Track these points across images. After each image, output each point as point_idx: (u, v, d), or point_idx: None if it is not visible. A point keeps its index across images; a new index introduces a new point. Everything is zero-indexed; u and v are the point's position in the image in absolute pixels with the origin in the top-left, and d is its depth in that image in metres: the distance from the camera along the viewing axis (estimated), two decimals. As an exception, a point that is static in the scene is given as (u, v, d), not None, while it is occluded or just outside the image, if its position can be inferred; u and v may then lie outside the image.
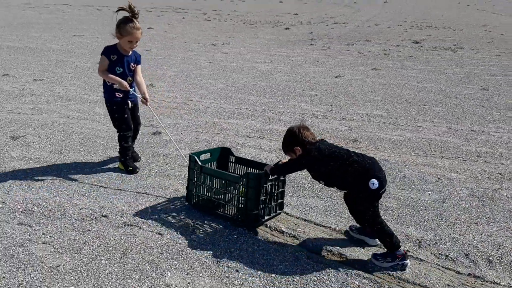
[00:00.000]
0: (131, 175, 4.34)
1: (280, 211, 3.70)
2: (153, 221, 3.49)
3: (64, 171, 4.39)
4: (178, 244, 3.22)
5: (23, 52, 10.62)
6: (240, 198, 3.52)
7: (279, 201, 3.67)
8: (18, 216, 3.52)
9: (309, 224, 3.57)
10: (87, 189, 4.01)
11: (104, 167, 4.49)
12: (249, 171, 3.81)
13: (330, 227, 3.54)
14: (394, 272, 3.00)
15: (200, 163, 3.70)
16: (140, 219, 3.53)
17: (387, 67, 9.85)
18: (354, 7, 27.09)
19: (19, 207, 3.65)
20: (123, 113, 4.46)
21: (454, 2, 32.99)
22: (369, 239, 3.38)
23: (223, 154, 4.04)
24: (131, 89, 4.42)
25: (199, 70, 9.25)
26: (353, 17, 20.90)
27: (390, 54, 11.55)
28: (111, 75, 4.32)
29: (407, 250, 3.26)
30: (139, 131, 4.79)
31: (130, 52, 4.40)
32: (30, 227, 3.38)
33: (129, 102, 4.50)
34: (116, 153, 4.77)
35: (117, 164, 4.58)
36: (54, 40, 12.36)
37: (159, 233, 3.34)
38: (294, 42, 13.22)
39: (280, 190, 3.65)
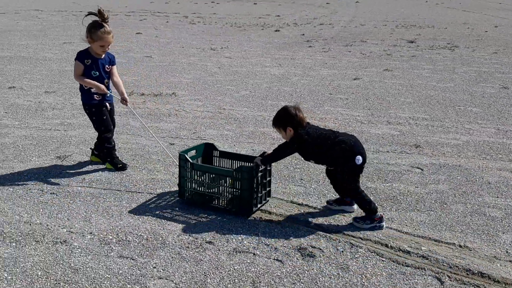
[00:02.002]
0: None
1: (268, 198, 3.94)
2: (265, 246, 3.24)
3: (134, 191, 4.07)
4: (306, 273, 2.98)
5: (18, 62, 10.02)
6: (233, 190, 3.75)
7: (267, 189, 3.92)
8: (114, 248, 3.20)
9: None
10: (171, 213, 3.72)
11: (175, 188, 4.17)
12: (237, 164, 4.05)
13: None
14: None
15: (190, 160, 3.87)
16: (248, 244, 3.27)
17: (397, 68, 9.82)
18: (329, 8, 27.14)
19: (110, 237, 3.32)
20: (102, 115, 4.51)
21: (421, 1, 33.65)
22: (348, 207, 3.78)
23: (207, 150, 4.24)
24: (108, 91, 4.48)
25: (212, 76, 8.95)
26: (334, 18, 20.91)
27: (392, 54, 11.55)
28: (88, 80, 4.38)
29: (383, 214, 3.62)
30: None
31: (104, 55, 4.44)
32: (133, 260, 3.07)
33: (107, 104, 4.56)
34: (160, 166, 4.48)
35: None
36: (44, 48, 11.75)
37: (278, 260, 3.09)
38: (291, 44, 13.05)
39: (268, 179, 3.89)
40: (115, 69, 4.55)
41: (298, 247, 3.22)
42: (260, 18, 20.46)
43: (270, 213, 3.71)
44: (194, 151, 4.13)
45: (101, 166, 4.62)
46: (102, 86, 4.39)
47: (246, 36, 14.72)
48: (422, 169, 4.60)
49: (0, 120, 6.06)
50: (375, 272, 2.97)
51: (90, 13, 4.34)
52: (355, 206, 3.76)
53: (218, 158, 4.23)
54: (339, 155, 3.49)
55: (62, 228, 3.43)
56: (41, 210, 3.72)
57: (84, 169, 4.58)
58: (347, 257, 3.12)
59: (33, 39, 13.36)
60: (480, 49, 12.55)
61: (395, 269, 3.01)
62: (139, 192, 4.07)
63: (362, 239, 3.33)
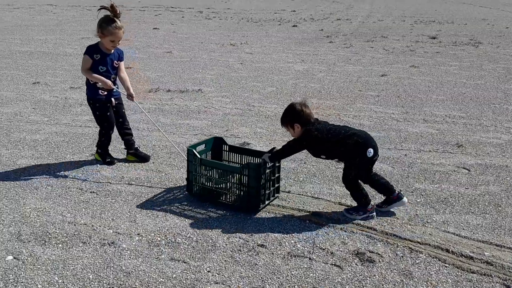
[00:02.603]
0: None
1: (277, 195, 3.88)
2: (320, 250, 3.11)
3: (176, 191, 3.96)
4: (368, 279, 2.85)
5: (39, 57, 9.94)
6: (241, 187, 3.68)
7: (276, 185, 3.86)
8: (164, 250, 3.09)
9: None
10: (215, 212, 3.60)
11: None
12: (247, 159, 4.03)
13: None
14: None
15: (198, 155, 3.82)
16: (302, 248, 3.14)
17: (423, 64, 9.63)
18: (344, 3, 26.92)
19: (158, 239, 3.21)
20: (106, 111, 4.47)
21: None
22: (398, 203, 3.62)
23: (216, 144, 4.19)
24: (114, 87, 4.43)
25: (235, 72, 8.82)
26: (351, 13, 20.70)
27: (415, 50, 11.35)
28: (95, 75, 4.33)
29: (374, 204, 3.63)
30: (129, 129, 4.68)
31: (113, 50, 4.39)
32: (185, 263, 2.96)
33: (113, 100, 4.50)
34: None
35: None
36: (63, 43, 11.67)
37: (336, 265, 2.97)
38: (311, 40, 12.88)
39: (276, 175, 3.84)
40: (122, 65, 4.52)
41: (355, 251, 3.09)
42: (276, 13, 20.29)
43: (320, 215, 3.58)
44: (204, 145, 4.10)
45: (138, 165, 4.52)
46: (109, 82, 4.35)
47: (264, 32, 14.56)
48: (469, 170, 4.45)
49: (29, 116, 5.98)
50: (440, 279, 2.84)
51: (102, 7, 4.29)
52: (405, 199, 3.63)
53: (227, 153, 4.20)
54: (351, 148, 3.45)
55: (108, 229, 3.33)
56: (83, 209, 3.62)
57: (121, 167, 4.47)
58: (408, 263, 2.99)
59: (51, 34, 13.29)
60: (505, 46, 12.31)
61: (460, 276, 2.88)
62: (180, 191, 3.97)
63: (420, 244, 3.19)
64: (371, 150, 3.48)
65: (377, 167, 4.47)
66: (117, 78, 4.51)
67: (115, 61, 4.43)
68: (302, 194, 3.93)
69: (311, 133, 3.47)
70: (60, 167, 4.45)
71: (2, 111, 6.20)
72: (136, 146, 4.72)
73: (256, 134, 5.43)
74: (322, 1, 27.84)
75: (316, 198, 3.84)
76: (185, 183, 4.05)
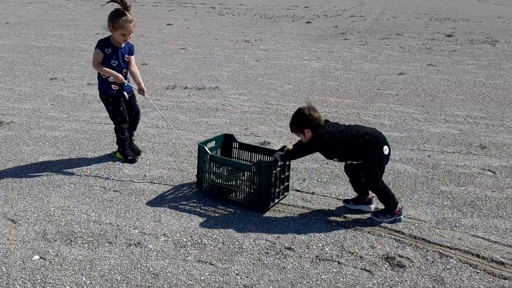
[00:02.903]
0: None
1: (286, 193, 3.89)
2: (349, 254, 3.07)
3: (197, 191, 3.92)
4: (399, 285, 2.81)
5: (55, 52, 9.96)
6: (251, 184, 3.67)
7: (286, 184, 3.85)
8: (190, 251, 3.06)
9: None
10: (237, 213, 3.56)
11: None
12: (257, 157, 4.05)
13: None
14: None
15: (209, 152, 3.82)
16: (330, 251, 3.10)
17: (441, 63, 9.52)
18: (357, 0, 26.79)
19: (185, 239, 3.19)
20: (118, 105, 4.47)
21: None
22: (365, 206, 3.66)
23: (226, 141, 4.19)
24: (125, 81, 4.43)
25: (251, 69, 8.77)
26: (365, 10, 20.55)
27: (432, 48, 11.24)
28: (106, 69, 4.33)
29: (402, 206, 3.58)
30: (139, 121, 4.71)
31: (124, 44, 4.39)
32: (213, 265, 2.93)
33: (125, 94, 4.51)
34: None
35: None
36: (79, 39, 11.69)
37: (366, 270, 2.93)
38: (326, 37, 12.80)
39: (286, 174, 3.83)
40: (133, 59, 4.53)
41: (385, 256, 3.04)
42: (289, 9, 20.20)
43: (346, 218, 3.54)
44: (214, 142, 4.10)
45: (159, 163, 4.49)
46: (121, 76, 4.35)
47: (278, 28, 14.49)
48: (494, 172, 4.38)
49: (48, 112, 5.99)
50: (472, 285, 2.79)
51: (112, 0, 4.28)
52: (373, 206, 3.66)
53: (237, 150, 4.20)
54: (366, 147, 3.41)
55: (133, 229, 3.31)
56: (107, 208, 3.61)
57: (143, 165, 4.45)
58: (439, 268, 2.94)
59: (66, 29, 13.32)
60: (522, 44, 12.15)
61: (493, 282, 2.82)
62: (203, 191, 3.94)
63: (450, 248, 3.14)
64: (386, 148, 3.45)
65: (401, 169, 4.42)
66: (128, 72, 4.53)
67: (126, 55, 4.44)
68: (327, 196, 3.88)
69: (323, 137, 3.44)
70: (82, 164, 4.44)
71: (21, 107, 6.21)
72: (132, 138, 4.73)
73: (276, 133, 5.39)
74: (334, -3, 27.70)
75: (341, 199, 3.80)
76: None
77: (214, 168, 3.84)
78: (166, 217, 3.50)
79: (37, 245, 3.12)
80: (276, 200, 3.75)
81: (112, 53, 4.32)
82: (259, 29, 14.26)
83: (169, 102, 6.58)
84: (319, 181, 4.16)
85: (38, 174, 4.21)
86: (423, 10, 20.90)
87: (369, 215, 3.57)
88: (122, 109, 4.48)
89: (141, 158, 4.61)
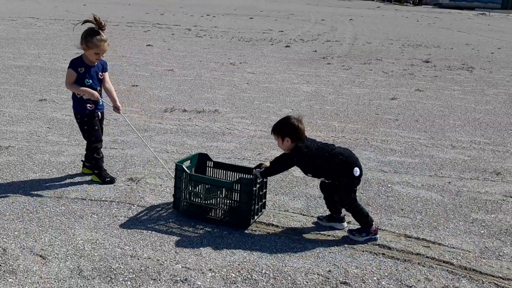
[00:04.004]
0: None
1: (263, 210, 3.96)
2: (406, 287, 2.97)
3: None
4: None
5: (37, 72, 9.58)
6: (230, 202, 3.72)
7: (263, 200, 3.94)
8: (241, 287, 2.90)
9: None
10: (281, 245, 3.42)
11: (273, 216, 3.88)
12: (229, 175, 4.10)
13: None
14: None
15: (187, 171, 3.82)
16: (387, 285, 2.99)
17: (427, 88, 9.72)
18: (326, 25, 27.19)
19: (233, 275, 3.02)
20: (93, 125, 4.44)
21: (412, 21, 34.12)
22: (337, 224, 3.73)
23: (201, 160, 4.22)
24: (100, 99, 4.41)
25: (244, 92, 8.69)
26: (338, 35, 20.90)
27: (414, 73, 11.48)
28: (81, 87, 4.29)
29: (378, 226, 3.67)
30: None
31: (96, 62, 4.36)
32: (270, 302, 2.78)
33: (99, 113, 4.48)
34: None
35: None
36: (59, 58, 11.31)
37: (428, 303, 2.84)
38: (308, 61, 12.90)
39: (264, 190, 3.92)
40: (107, 76, 4.50)
41: (444, 288, 2.98)
42: (264, 33, 20.31)
43: (390, 248, 3.45)
44: (189, 161, 4.09)
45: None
46: (96, 93, 4.32)
47: (259, 51, 14.51)
48: (517, 199, 4.43)
49: (46, 136, 5.68)
50: (539, 319, 2.75)
51: (86, 21, 4.26)
52: (345, 224, 3.75)
53: (212, 169, 4.23)
54: (337, 167, 3.51)
55: (175, 264, 3.11)
56: (140, 241, 3.39)
57: (164, 193, 4.25)
58: (501, 301, 2.89)
59: (42, 48, 12.89)
60: (497, 71, 12.60)
61: (556, 314, 2.80)
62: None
63: (503, 279, 3.10)
64: (357, 169, 3.52)
65: (427, 196, 4.40)
66: (103, 90, 4.48)
67: (100, 73, 4.41)
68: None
69: (301, 150, 3.53)
70: (97, 192, 4.20)
71: (15, 130, 5.88)
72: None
73: (289, 159, 5.29)
74: (304, 22, 28.11)
75: (379, 229, 3.72)
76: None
77: (193, 187, 3.84)
78: (207, 250, 3.32)
79: (75, 283, 2.88)
80: (255, 217, 3.80)
81: (85, 72, 4.29)
82: (240, 51, 14.24)
83: (171, 125, 6.38)
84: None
85: (53, 203, 3.95)
86: (393, 36, 21.47)
87: (349, 234, 3.61)
88: (97, 128, 4.46)
89: (161, 185, 4.41)
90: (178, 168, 3.81)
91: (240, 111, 7.32)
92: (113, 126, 6.20)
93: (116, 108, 4.47)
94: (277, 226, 3.72)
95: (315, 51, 15.32)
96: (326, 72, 11.43)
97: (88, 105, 4.35)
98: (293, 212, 4.00)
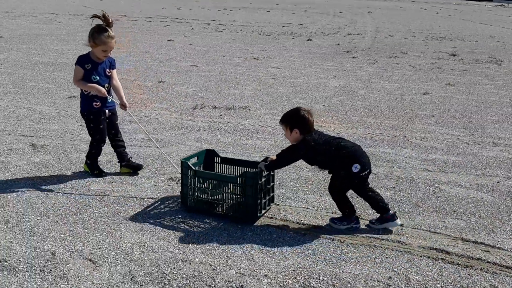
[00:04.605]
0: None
1: (272, 204, 3.91)
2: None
3: (285, 224, 3.65)
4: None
5: (63, 69, 9.55)
6: (237, 197, 3.69)
7: (271, 194, 3.89)
8: (301, 295, 2.78)
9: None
10: (335, 249, 3.29)
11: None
12: (237, 171, 4.05)
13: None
14: None
15: (193, 167, 3.78)
16: (450, 291, 2.86)
17: (458, 83, 9.49)
18: (345, 17, 26.88)
19: (290, 282, 2.90)
20: (99, 123, 4.41)
21: (432, 12, 33.59)
22: (391, 223, 3.57)
23: (208, 156, 4.18)
24: (109, 96, 4.37)
25: (272, 87, 8.55)
26: (359, 28, 20.62)
27: (442, 67, 11.23)
28: (88, 84, 4.27)
29: (359, 215, 3.71)
30: (122, 142, 4.60)
31: (104, 59, 4.34)
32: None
33: (107, 111, 4.44)
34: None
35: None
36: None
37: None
38: (332, 55, 12.71)
39: (271, 184, 3.87)
40: (115, 73, 4.48)
41: (512, 297, 2.83)
42: (284, 26, 20.12)
43: (448, 252, 3.30)
44: (196, 157, 4.06)
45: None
46: (103, 89, 4.28)
47: (280, 45, 14.35)
48: None
49: (80, 134, 5.62)
50: None
51: (94, 16, 4.30)
52: (399, 221, 3.59)
53: (219, 165, 4.20)
54: (339, 160, 3.52)
55: (229, 269, 3.00)
56: (189, 245, 3.29)
57: (204, 193, 4.16)
58: None
59: (65, 44, 12.89)
60: (527, 64, 12.30)
61: None
62: (294, 225, 3.67)
63: None
64: (357, 166, 3.49)
65: (478, 197, 4.24)
66: (111, 88, 4.46)
67: (107, 70, 4.38)
68: (422, 228, 3.65)
69: (308, 144, 3.51)
70: (139, 192, 4.12)
71: (49, 127, 5.83)
72: (129, 157, 4.60)
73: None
74: (322, 15, 27.82)
75: (434, 232, 3.58)
76: (295, 213, 3.76)
77: (199, 183, 3.79)
78: (258, 254, 3.20)
79: (129, 289, 2.79)
80: (263, 211, 3.76)
81: (92, 69, 4.28)
82: (262, 46, 14.08)
83: (203, 123, 6.28)
84: (408, 211, 3.94)
85: (96, 204, 3.87)
86: (415, 29, 21.11)
87: (331, 222, 3.62)
88: (102, 127, 4.42)
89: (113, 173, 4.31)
90: (184, 165, 3.79)
91: (271, 108, 7.19)
92: (145, 123, 6.12)
93: (123, 106, 4.44)
94: (326, 229, 3.61)
95: (338, 44, 15.10)
96: (352, 66, 11.24)
97: (95, 103, 4.32)
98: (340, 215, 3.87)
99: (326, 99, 7.86)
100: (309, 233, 3.53)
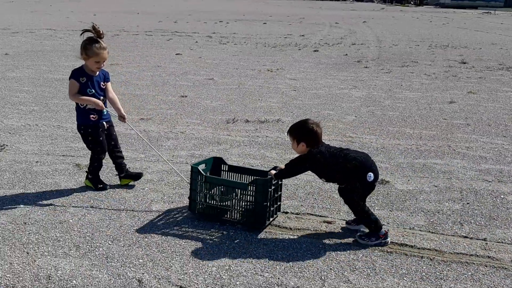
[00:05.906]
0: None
1: (278, 213, 3.96)
2: None
3: (330, 237, 3.53)
4: None
5: (79, 85, 9.37)
6: (246, 204, 3.71)
7: (278, 203, 3.93)
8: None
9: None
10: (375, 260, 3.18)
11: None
12: (244, 179, 4.05)
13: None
14: None
15: (203, 173, 3.84)
16: None
17: (479, 90, 9.47)
18: (342, 28, 27.00)
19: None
20: (98, 136, 4.40)
21: (425, 22, 33.92)
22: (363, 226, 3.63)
23: (215, 164, 4.20)
24: (105, 108, 4.37)
25: (296, 100, 8.45)
26: (360, 38, 20.70)
27: (457, 75, 11.24)
28: (84, 97, 4.25)
29: (388, 229, 3.61)
30: (121, 153, 4.59)
31: (98, 72, 4.33)
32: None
33: (104, 123, 4.44)
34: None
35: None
36: (94, 69, 11.12)
37: None
38: (344, 65, 12.67)
39: (279, 193, 3.91)
40: (109, 85, 4.47)
41: None
42: (286, 37, 20.11)
43: (486, 257, 3.20)
44: (204, 164, 4.09)
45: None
46: (100, 102, 4.29)
47: (289, 57, 14.29)
48: None
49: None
50: None
51: (85, 31, 4.30)
52: (388, 240, 3.56)
53: (226, 172, 4.23)
54: (351, 172, 3.48)
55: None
56: (276, 267, 3.14)
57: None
58: None
59: (74, 61, 12.68)
60: (537, 71, 12.37)
61: None
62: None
63: None
64: (371, 174, 3.48)
65: (548, 207, 4.15)
66: (107, 100, 4.44)
67: (102, 83, 4.37)
68: (507, 242, 3.53)
69: (314, 157, 3.51)
70: (179, 208, 3.97)
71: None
72: (127, 167, 4.57)
73: (381, 169, 5.05)
74: (319, 26, 27.92)
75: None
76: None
77: (208, 189, 3.82)
78: (352, 275, 3.07)
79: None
80: (271, 219, 3.79)
81: (87, 82, 4.26)
82: (271, 57, 14.01)
83: (241, 137, 6.15)
84: (429, 221, 3.82)
85: (163, 224, 3.72)
86: (415, 38, 21.24)
87: (358, 238, 3.55)
88: (102, 139, 4.41)
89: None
90: (194, 170, 3.80)
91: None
92: (182, 140, 5.97)
93: (122, 118, 4.46)
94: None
95: (346, 54, 15.09)
96: (367, 76, 11.19)
97: (91, 115, 4.31)
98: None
99: (354, 109, 7.77)
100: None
